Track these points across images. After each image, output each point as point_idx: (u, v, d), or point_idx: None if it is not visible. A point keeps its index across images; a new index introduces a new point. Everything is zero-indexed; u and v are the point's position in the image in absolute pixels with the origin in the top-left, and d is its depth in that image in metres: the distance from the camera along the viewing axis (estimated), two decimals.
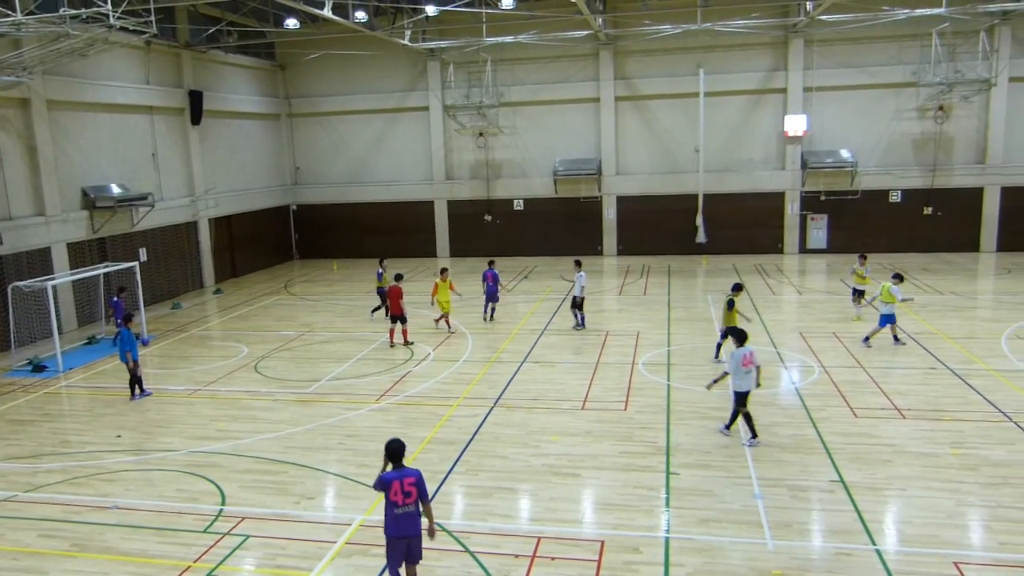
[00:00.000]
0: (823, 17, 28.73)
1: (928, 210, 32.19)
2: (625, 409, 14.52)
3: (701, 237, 33.15)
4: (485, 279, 22.06)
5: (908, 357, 17.26)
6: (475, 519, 10.36)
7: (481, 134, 35.05)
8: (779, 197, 33.24)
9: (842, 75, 31.88)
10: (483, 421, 14.07)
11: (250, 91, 34.31)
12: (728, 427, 12.94)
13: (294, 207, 37.50)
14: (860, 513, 10.11)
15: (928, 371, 16.23)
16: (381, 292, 22.70)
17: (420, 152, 36.05)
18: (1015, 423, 13.10)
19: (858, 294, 21.11)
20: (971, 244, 32.08)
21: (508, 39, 31.30)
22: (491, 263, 22.57)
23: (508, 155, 35.31)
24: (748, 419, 12.54)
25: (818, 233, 33.32)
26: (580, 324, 20.81)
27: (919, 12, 27.58)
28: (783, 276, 28.54)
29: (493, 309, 22.33)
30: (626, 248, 34.58)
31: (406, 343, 19.74)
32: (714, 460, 11.97)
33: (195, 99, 29.34)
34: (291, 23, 28.80)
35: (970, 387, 15.07)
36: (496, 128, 34.80)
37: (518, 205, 35.40)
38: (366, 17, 27.67)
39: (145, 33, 22.78)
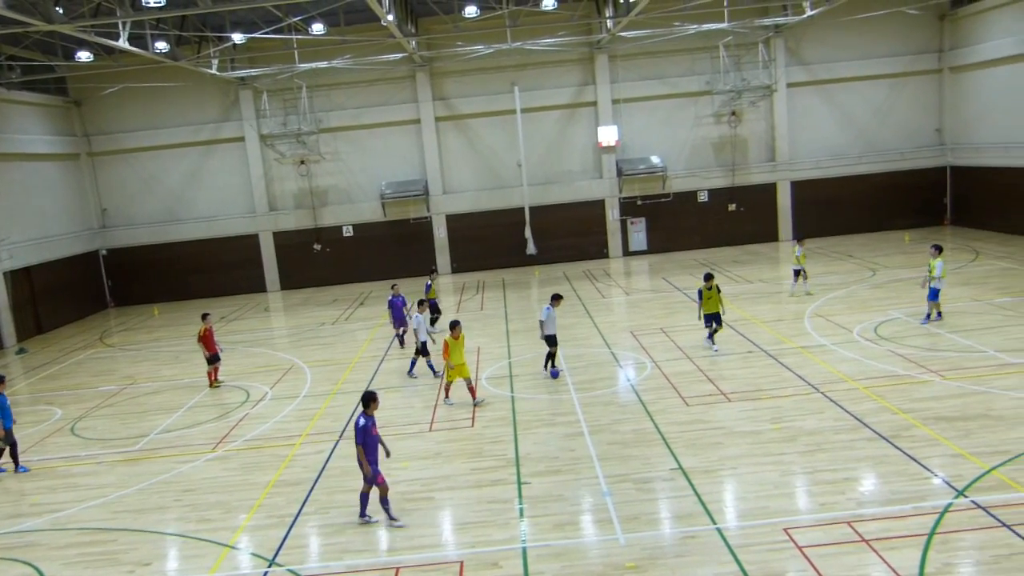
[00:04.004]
0: (623, 34, 30.58)
1: (732, 207, 34.93)
2: (472, 426, 14.61)
3: (531, 249, 34.09)
4: (393, 306, 20.90)
5: (728, 344, 18.54)
6: (330, 559, 10.03)
7: (303, 162, 34.22)
8: (600, 204, 34.85)
9: (645, 87, 33.99)
10: (329, 456, 13.68)
11: (42, 130, 31.55)
12: (555, 372, 17.06)
13: (104, 252, 34.78)
14: (700, 496, 10.74)
15: (746, 355, 17.55)
16: (432, 304, 22.19)
17: (239, 184, 34.64)
18: (822, 393, 14.44)
19: (796, 274, 22.93)
20: (771, 235, 35.12)
21: (322, 64, 30.82)
22: (394, 286, 21.45)
23: (333, 181, 34.69)
24: (552, 357, 17.09)
25: (638, 236, 35.23)
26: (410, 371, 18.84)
27: (706, 27, 30.09)
28: (610, 279, 29.90)
29: (404, 332, 21.21)
30: (460, 265, 34.92)
31: (213, 383, 19.09)
32: (562, 465, 12.30)
33: None
34: (84, 56, 26.77)
35: (783, 365, 16.45)
36: (317, 155, 34.11)
37: (347, 231, 34.83)
38: (168, 47, 26.28)
39: None
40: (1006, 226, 30.86)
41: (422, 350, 17.99)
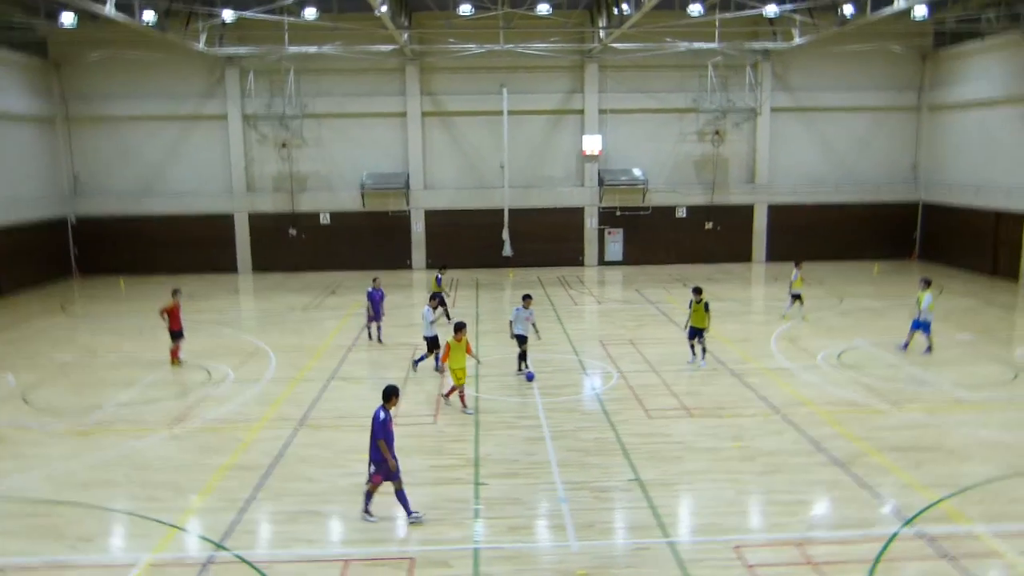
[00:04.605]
0: (615, 45, 30.77)
1: (709, 225, 35.23)
2: (435, 422, 14.57)
3: (507, 251, 34.10)
4: (371, 299, 20.47)
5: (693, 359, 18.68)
6: (279, 547, 9.93)
7: (284, 145, 33.90)
8: (579, 212, 34.97)
9: (633, 99, 34.18)
10: (288, 443, 13.55)
11: (18, 90, 30.91)
12: (530, 374, 17.08)
13: (73, 219, 34.17)
14: (655, 508, 10.79)
15: (711, 372, 17.70)
16: (439, 297, 21.26)
17: (218, 162, 34.23)
18: (782, 415, 14.59)
19: (795, 298, 22.73)
20: (745, 255, 35.49)
21: (311, 49, 30.59)
22: (375, 280, 21.04)
23: (313, 167, 34.41)
24: (523, 356, 17.33)
25: (615, 246, 35.39)
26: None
27: (697, 46, 30.40)
28: (584, 287, 30.00)
29: (379, 328, 20.95)
30: (435, 262, 34.70)
31: (175, 360, 18.69)
32: (521, 468, 12.30)
33: None
34: (67, 19, 26.22)
35: (746, 385, 16.60)
36: (300, 139, 33.82)
37: (325, 219, 34.57)
38: (155, 18, 25.86)
39: None
40: (971, 264, 31.49)
41: (432, 343, 17.78)
